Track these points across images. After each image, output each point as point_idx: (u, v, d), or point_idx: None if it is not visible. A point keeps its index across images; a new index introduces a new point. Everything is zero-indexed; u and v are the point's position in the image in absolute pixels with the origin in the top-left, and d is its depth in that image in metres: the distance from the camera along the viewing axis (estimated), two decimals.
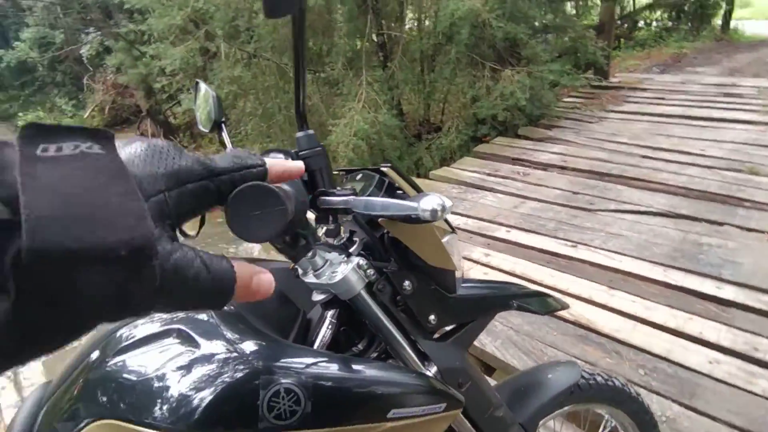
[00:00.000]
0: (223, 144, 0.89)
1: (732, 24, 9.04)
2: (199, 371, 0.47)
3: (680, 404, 1.48)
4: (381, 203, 0.50)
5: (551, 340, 1.78)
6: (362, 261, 0.57)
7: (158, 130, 7.76)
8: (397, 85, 4.57)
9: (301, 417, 0.48)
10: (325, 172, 0.54)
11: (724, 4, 8.90)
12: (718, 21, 9.17)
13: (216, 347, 0.49)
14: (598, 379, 0.88)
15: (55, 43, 8.58)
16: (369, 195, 0.57)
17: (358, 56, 4.37)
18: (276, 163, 0.31)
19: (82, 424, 0.49)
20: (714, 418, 1.43)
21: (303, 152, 0.55)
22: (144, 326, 0.53)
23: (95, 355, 0.53)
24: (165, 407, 0.45)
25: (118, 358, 0.51)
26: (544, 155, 3.66)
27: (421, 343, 0.62)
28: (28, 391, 1.87)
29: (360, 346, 0.64)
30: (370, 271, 0.58)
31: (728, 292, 1.96)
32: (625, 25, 8.96)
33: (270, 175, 0.30)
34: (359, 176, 0.64)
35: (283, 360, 0.49)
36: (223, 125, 0.88)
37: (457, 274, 0.67)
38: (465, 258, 2.33)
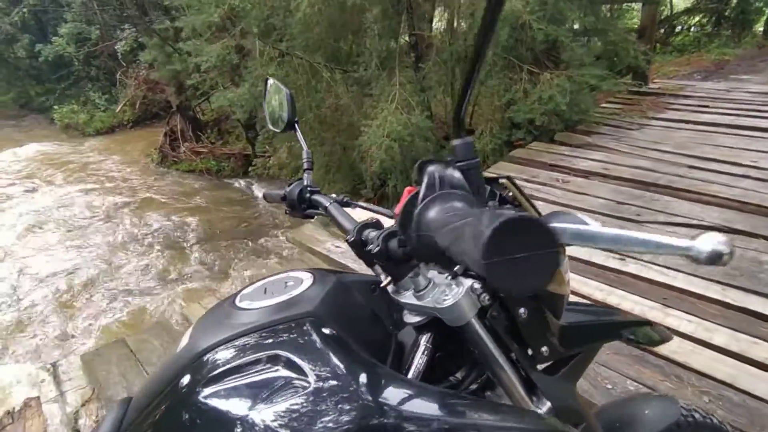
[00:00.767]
0: (297, 143, 0.83)
1: None
2: (312, 409, 0.41)
3: None
4: (636, 238, 0.37)
5: (604, 359, 1.69)
6: (476, 284, 0.50)
7: (187, 125, 7.85)
8: (430, 86, 4.50)
9: None
10: (481, 185, 0.47)
11: (767, 11, 8.55)
12: (759, 27, 8.82)
13: (327, 379, 0.43)
14: (697, 416, 0.80)
15: (91, 38, 8.77)
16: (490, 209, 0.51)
17: (392, 56, 4.31)
18: None
19: None
20: None
21: (461, 163, 0.48)
22: (241, 350, 0.47)
23: (186, 379, 0.47)
24: None
25: (213, 387, 0.45)
26: (584, 162, 3.53)
27: (534, 377, 0.55)
28: (67, 385, 1.87)
29: (458, 376, 0.58)
30: (484, 296, 0.51)
31: None
32: (662, 30, 8.68)
33: None
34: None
35: (406, 402, 0.42)
36: (296, 125, 0.83)
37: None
38: None
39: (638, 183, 3.12)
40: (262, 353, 0.46)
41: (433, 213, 0.40)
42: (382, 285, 0.57)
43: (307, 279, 0.58)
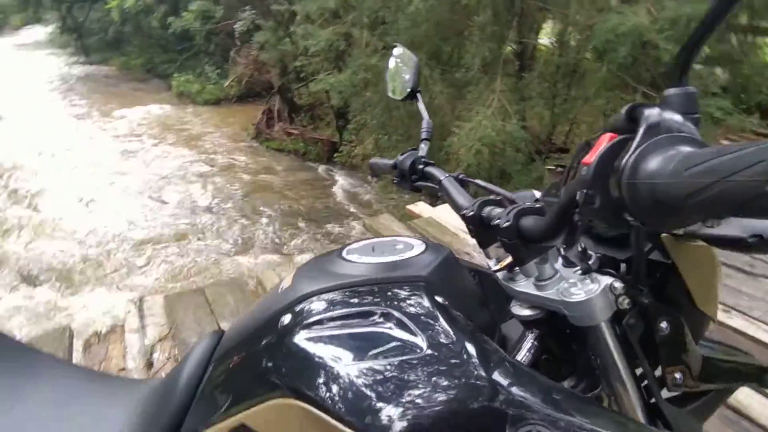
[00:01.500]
0: (419, 114, 0.81)
1: None
2: (423, 374, 0.38)
3: None
4: None
5: None
6: (617, 283, 0.44)
7: (284, 107, 8.28)
8: (530, 96, 4.33)
9: None
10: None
11: None
12: None
13: (440, 347, 0.40)
14: None
15: (215, 17, 9.55)
16: None
17: (496, 61, 4.20)
18: None
19: (262, 397, 0.43)
20: None
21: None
22: (348, 300, 0.46)
23: (287, 318, 0.46)
24: (375, 408, 0.36)
25: (316, 330, 0.43)
26: None
27: (662, 403, 0.48)
28: (149, 320, 2.03)
29: (566, 384, 0.52)
30: (623, 299, 0.44)
31: None
32: None
33: None
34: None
35: (528, 389, 0.38)
36: (418, 94, 0.81)
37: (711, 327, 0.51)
38: None
39: None
40: (373, 307, 0.44)
41: (659, 158, 0.34)
42: (495, 268, 0.53)
43: (418, 245, 0.55)
